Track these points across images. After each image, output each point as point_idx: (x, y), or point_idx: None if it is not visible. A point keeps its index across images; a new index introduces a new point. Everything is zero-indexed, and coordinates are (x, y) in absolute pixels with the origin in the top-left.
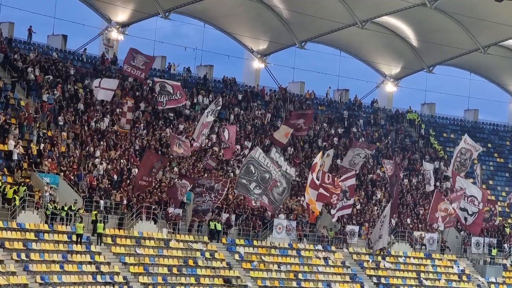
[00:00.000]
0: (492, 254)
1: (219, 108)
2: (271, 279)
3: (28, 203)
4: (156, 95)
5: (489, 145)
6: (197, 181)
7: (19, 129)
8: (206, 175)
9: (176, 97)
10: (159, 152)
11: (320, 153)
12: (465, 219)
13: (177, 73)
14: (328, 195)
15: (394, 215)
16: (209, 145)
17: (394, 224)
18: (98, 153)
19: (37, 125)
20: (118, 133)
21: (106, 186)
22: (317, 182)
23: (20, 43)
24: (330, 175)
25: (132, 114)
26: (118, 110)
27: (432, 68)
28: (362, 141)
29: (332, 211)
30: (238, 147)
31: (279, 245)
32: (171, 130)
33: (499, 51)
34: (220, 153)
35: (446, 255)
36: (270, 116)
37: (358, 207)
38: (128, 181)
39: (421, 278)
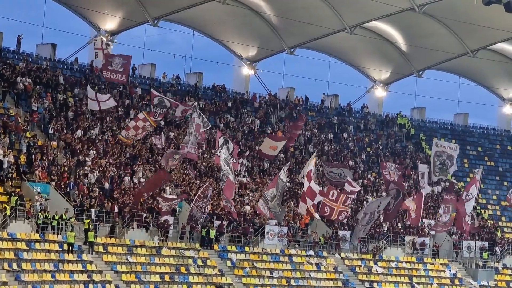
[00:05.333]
0: (484, 257)
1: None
2: (263, 286)
3: (19, 213)
4: (151, 105)
5: (479, 148)
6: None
7: (8, 138)
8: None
9: (170, 110)
10: (149, 159)
11: (314, 159)
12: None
13: (166, 81)
14: (329, 212)
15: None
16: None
17: (386, 229)
18: (89, 162)
19: (27, 135)
20: (109, 141)
21: (98, 194)
22: (316, 191)
23: (9, 53)
24: (335, 191)
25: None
26: (126, 120)
27: (421, 72)
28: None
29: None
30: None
31: (271, 251)
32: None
33: (488, 55)
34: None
35: (438, 259)
36: (259, 122)
37: (350, 212)
38: (119, 190)
39: (413, 283)
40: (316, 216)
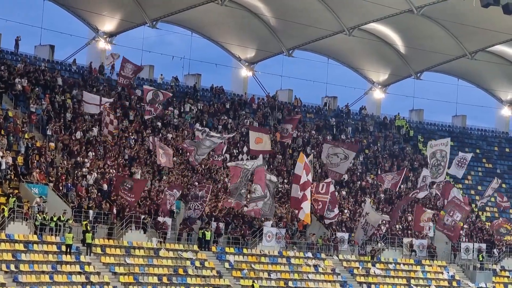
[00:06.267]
0: (479, 259)
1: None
2: (261, 287)
3: (17, 214)
4: (144, 104)
5: (478, 150)
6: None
7: (7, 139)
8: (195, 183)
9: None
10: (147, 161)
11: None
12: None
13: (164, 83)
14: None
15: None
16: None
17: (384, 231)
18: (87, 163)
19: (25, 136)
20: (106, 143)
21: (96, 196)
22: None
23: (8, 54)
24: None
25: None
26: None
27: (419, 74)
28: (342, 141)
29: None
30: (227, 155)
31: (269, 253)
32: (155, 138)
33: (486, 57)
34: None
35: (436, 261)
36: (257, 124)
37: (348, 214)
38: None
39: (411, 285)
40: (305, 218)
